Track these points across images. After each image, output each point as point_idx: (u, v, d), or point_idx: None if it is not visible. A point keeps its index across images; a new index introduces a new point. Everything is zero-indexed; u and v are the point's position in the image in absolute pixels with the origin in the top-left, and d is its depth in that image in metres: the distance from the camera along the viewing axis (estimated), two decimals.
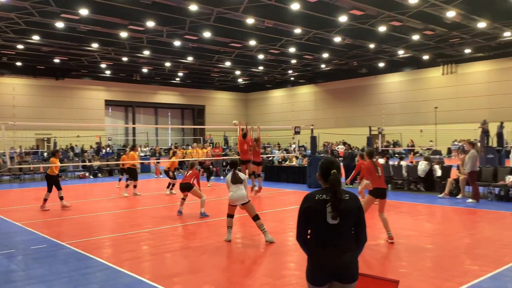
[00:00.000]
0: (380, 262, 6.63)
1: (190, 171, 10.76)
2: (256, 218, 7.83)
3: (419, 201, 12.60)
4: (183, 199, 10.90)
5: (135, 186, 14.83)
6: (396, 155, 29.31)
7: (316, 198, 3.14)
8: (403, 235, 8.27)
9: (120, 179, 17.46)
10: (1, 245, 7.92)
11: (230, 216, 7.96)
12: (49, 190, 11.95)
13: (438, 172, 14.28)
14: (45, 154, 29.11)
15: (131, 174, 14.89)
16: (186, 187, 10.54)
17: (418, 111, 39.23)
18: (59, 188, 12.11)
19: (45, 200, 11.96)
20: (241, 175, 8.07)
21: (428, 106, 38.33)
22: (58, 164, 12.38)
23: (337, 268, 3.04)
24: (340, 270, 3.04)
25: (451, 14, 22.67)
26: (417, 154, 32.49)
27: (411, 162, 16.54)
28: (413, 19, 23.79)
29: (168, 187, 15.21)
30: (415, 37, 28.17)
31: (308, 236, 3.20)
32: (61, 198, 12.11)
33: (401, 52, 33.59)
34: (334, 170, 3.17)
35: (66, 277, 5.99)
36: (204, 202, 10.54)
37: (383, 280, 3.58)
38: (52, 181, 11.98)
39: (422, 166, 14.55)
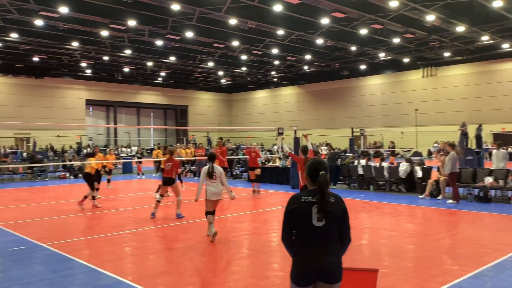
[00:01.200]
0: (362, 262, 6.68)
1: (171, 163, 10.54)
2: (213, 212, 8.18)
3: (401, 202, 12.76)
4: (158, 201, 10.54)
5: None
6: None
7: (302, 200, 3.14)
8: (385, 235, 8.37)
9: (108, 180, 17.37)
10: None
11: (210, 213, 8.07)
12: (92, 189, 12.14)
13: (419, 173, 14.50)
14: (24, 154, 28.50)
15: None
16: (169, 181, 10.41)
17: (399, 113, 39.76)
18: (92, 189, 12.15)
19: (94, 198, 12.17)
20: (217, 168, 8.24)
21: (408, 108, 38.88)
22: (96, 161, 12.68)
23: (322, 269, 3.05)
24: (325, 271, 3.06)
25: (430, 18, 23.05)
26: (398, 156, 32.95)
27: (392, 163, 16.75)
28: (393, 22, 24.12)
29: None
30: (396, 40, 28.55)
31: (293, 238, 3.21)
32: (93, 197, 12.21)
33: (382, 55, 34.01)
34: (323, 172, 3.14)
35: (47, 279, 5.88)
36: (180, 202, 10.42)
37: (362, 271, 3.63)
38: (90, 180, 12.14)
39: (403, 167, 14.75)
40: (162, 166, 11.52)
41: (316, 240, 3.09)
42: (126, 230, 9.17)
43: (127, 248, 7.72)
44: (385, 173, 15.17)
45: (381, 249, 7.43)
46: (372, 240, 8.11)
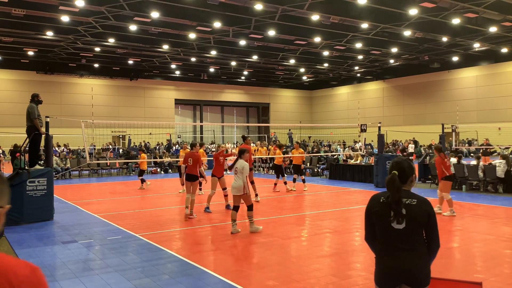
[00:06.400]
0: (453, 266, 6.32)
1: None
2: (249, 208, 8.31)
3: (497, 203, 11.83)
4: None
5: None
6: (472, 154, 27.66)
7: (381, 200, 3.04)
8: (478, 239, 7.83)
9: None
10: (81, 235, 8.53)
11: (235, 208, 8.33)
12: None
13: None
14: (121, 150, 30.75)
15: (278, 170, 15.09)
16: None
17: (496, 107, 36.74)
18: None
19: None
20: (238, 163, 8.25)
21: (507, 102, 35.80)
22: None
23: (404, 272, 2.94)
24: (406, 274, 2.94)
25: None
26: (495, 154, 30.45)
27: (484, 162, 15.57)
28: (490, 10, 22.32)
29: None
30: (492, 29, 26.40)
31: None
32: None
33: (477, 45, 31.63)
34: (395, 171, 3.02)
35: (140, 267, 6.33)
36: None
37: (464, 283, 3.39)
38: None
39: (501, 166, 13.66)
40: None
41: (396, 242, 2.97)
42: (211, 223, 9.54)
43: (211, 241, 8.03)
44: (480, 173, 14.14)
45: (474, 253, 6.96)
46: (464, 244, 7.62)
